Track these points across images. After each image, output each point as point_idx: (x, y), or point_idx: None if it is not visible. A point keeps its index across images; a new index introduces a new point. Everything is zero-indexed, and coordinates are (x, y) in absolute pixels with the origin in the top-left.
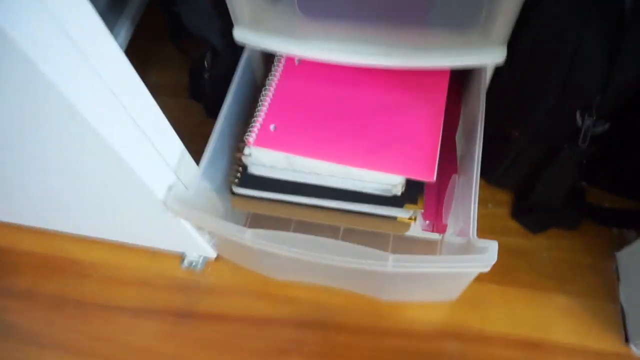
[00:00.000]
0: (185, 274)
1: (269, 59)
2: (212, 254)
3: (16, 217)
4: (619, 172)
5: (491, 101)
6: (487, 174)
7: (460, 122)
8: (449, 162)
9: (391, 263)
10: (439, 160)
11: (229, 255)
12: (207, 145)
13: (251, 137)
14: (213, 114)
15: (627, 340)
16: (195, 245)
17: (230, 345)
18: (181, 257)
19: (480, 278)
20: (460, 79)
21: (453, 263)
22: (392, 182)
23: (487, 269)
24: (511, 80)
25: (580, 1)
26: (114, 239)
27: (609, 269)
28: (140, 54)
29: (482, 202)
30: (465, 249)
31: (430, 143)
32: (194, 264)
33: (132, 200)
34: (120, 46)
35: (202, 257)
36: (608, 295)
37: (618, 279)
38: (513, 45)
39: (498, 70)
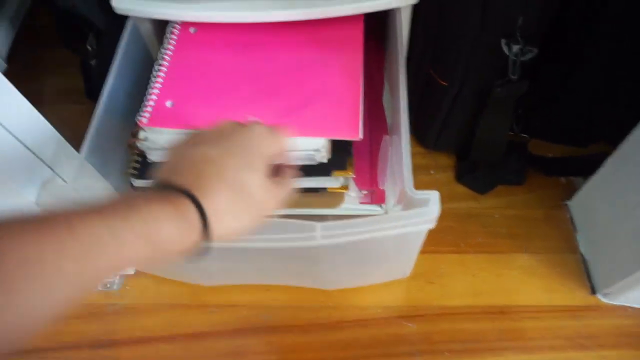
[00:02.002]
0: (100, 297)
1: (162, 30)
2: (129, 269)
3: None
4: (557, 119)
5: (414, 51)
6: (424, 138)
7: (387, 87)
8: (378, 125)
9: (320, 233)
10: (367, 125)
11: (149, 267)
12: (89, 128)
13: (144, 116)
14: None
15: (593, 291)
16: None
17: None
18: None
19: (434, 249)
20: (378, 32)
21: (391, 223)
22: (313, 146)
23: (432, 224)
24: (430, 20)
25: None
26: None
27: (563, 220)
28: (34, 60)
29: (423, 169)
30: (405, 207)
31: (351, 99)
32: (108, 284)
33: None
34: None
35: (118, 275)
36: (567, 247)
37: (574, 228)
38: None
39: (416, 14)
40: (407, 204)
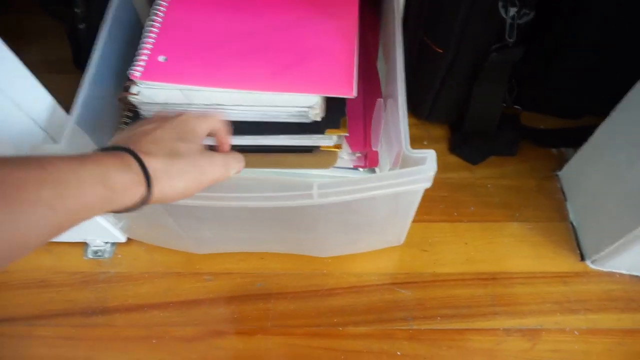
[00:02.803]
0: (90, 265)
1: None
2: (120, 238)
3: None
4: (550, 91)
5: (409, 18)
6: (417, 109)
7: (380, 51)
8: (372, 89)
9: (316, 191)
10: (361, 88)
11: (141, 235)
12: (79, 89)
13: (137, 70)
14: None
15: (582, 258)
16: (98, 229)
17: (154, 337)
18: (84, 247)
19: (427, 218)
20: (375, 8)
21: (389, 180)
22: (307, 103)
23: (429, 183)
24: None
25: None
26: None
27: (554, 189)
28: (17, 29)
29: (416, 140)
30: (402, 166)
31: (345, 57)
32: (99, 252)
33: None
34: None
35: (109, 244)
36: (557, 216)
37: (565, 197)
38: None
39: None
40: (403, 164)
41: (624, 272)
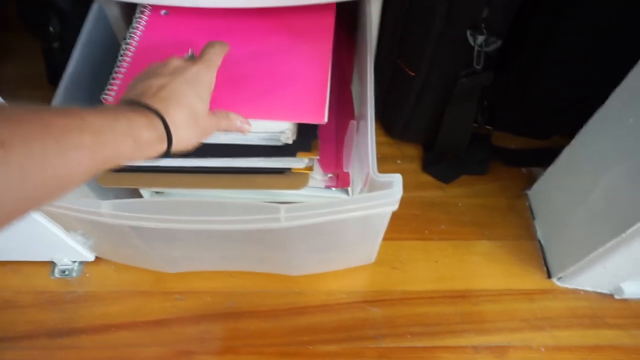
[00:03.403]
0: (57, 285)
1: (129, 16)
2: (88, 257)
3: None
4: (520, 112)
5: (383, 42)
6: (391, 128)
7: (356, 75)
8: (345, 111)
9: (284, 215)
10: (334, 110)
11: (109, 254)
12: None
13: (110, 95)
14: None
15: (549, 275)
16: (65, 248)
17: (121, 359)
18: (50, 266)
19: (398, 236)
20: (350, 32)
21: (355, 204)
22: (279, 128)
23: (395, 206)
24: (398, 12)
25: None
26: None
27: (523, 208)
28: None
29: (390, 158)
30: (369, 189)
31: (318, 84)
32: (67, 271)
33: None
34: None
35: (76, 263)
36: (526, 234)
37: (533, 216)
38: None
39: (385, 7)
40: (370, 187)
41: (589, 289)
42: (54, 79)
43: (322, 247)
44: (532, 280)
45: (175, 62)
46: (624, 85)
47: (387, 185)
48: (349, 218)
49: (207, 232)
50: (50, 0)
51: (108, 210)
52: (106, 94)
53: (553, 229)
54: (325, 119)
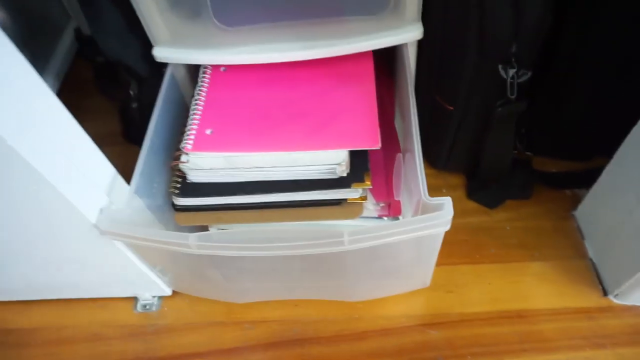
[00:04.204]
0: (140, 318)
1: (195, 76)
2: (167, 291)
3: None
4: (557, 137)
5: (421, 81)
6: (434, 160)
7: (397, 111)
8: (391, 146)
9: (347, 238)
10: (382, 144)
11: (185, 287)
12: (138, 161)
13: (188, 143)
14: None
15: (605, 293)
16: (147, 283)
17: None
18: (134, 301)
19: (450, 261)
20: (389, 69)
21: (411, 226)
22: (335, 160)
23: (447, 226)
24: (434, 52)
25: None
26: (54, 297)
27: (571, 229)
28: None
29: (435, 189)
30: (422, 213)
31: (368, 115)
32: (148, 306)
33: (64, 231)
34: None
35: (156, 298)
36: (577, 254)
37: (582, 236)
38: (428, 19)
39: (421, 48)
40: (423, 211)
41: None
42: (131, 135)
43: (380, 272)
44: (588, 298)
45: None
46: None
47: (439, 208)
48: (405, 240)
49: (278, 259)
50: (131, 68)
51: (195, 241)
52: (185, 143)
53: (604, 247)
54: (379, 144)
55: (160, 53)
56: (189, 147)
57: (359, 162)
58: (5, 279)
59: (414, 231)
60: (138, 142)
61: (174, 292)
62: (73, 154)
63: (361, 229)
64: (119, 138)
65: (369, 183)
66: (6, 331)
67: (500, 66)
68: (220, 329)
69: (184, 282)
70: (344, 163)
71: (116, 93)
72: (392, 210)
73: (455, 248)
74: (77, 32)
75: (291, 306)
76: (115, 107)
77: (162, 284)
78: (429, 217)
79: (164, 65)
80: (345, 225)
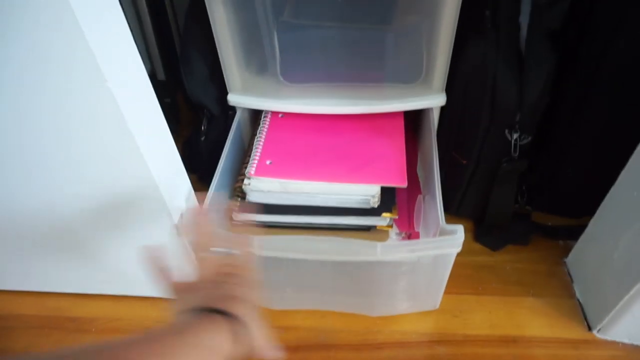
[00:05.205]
0: None
1: (254, 123)
2: None
3: (11, 283)
4: (553, 196)
5: (441, 138)
6: (448, 206)
7: (419, 161)
8: (414, 187)
9: (379, 249)
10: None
11: None
12: (213, 178)
13: (252, 169)
14: (207, 178)
15: (589, 328)
16: None
17: None
18: None
19: (457, 291)
20: (414, 127)
21: (431, 244)
22: (371, 192)
23: (459, 248)
24: (454, 116)
25: (490, 47)
26: (112, 292)
27: (562, 273)
28: None
29: None
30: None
31: (398, 159)
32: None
33: (151, 227)
34: None
35: None
36: (566, 294)
37: (571, 279)
38: (451, 89)
39: (443, 112)
40: (440, 235)
41: (626, 341)
42: (192, 165)
43: (399, 291)
44: (575, 331)
45: (228, 267)
46: (628, 167)
47: (453, 232)
48: (426, 256)
49: (319, 266)
50: (208, 108)
51: (258, 243)
52: (250, 168)
53: (589, 289)
54: (406, 183)
55: (233, 98)
56: (252, 172)
57: (388, 197)
58: (80, 269)
59: (434, 248)
60: (198, 171)
61: None
62: (169, 163)
63: (392, 244)
64: None
65: (395, 214)
66: (69, 319)
67: (506, 130)
68: None
69: None
70: (376, 195)
71: (178, 130)
72: (412, 239)
73: (462, 280)
74: (152, 76)
75: (319, 317)
76: (177, 142)
77: None
78: (446, 238)
79: (230, 108)
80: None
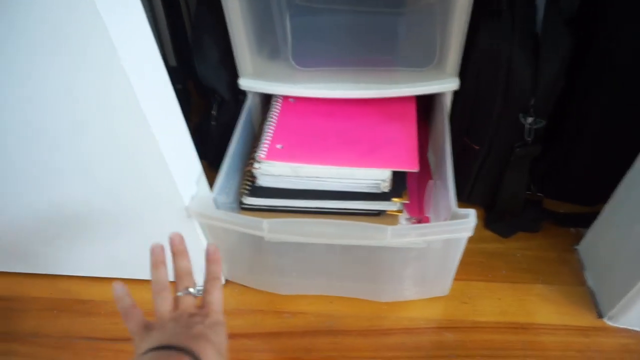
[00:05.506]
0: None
1: (265, 108)
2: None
3: (23, 266)
4: (566, 183)
5: (453, 123)
6: (459, 193)
7: (430, 146)
8: (424, 173)
9: (390, 233)
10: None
11: (239, 276)
12: (223, 163)
13: (262, 153)
14: (217, 163)
15: (600, 315)
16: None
17: (241, 359)
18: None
19: (467, 277)
20: (426, 112)
21: (443, 227)
22: (381, 177)
23: (471, 232)
24: (467, 101)
25: (505, 30)
26: (122, 276)
27: (573, 260)
28: None
29: None
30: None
31: (410, 144)
32: (200, 291)
33: (161, 209)
34: None
35: None
36: (577, 281)
37: (582, 267)
38: (464, 74)
39: (456, 97)
40: (452, 219)
41: (636, 328)
42: (203, 150)
43: (409, 276)
44: (585, 319)
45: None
46: None
47: (465, 216)
48: (437, 240)
49: (328, 250)
50: (219, 93)
51: (268, 225)
52: (260, 152)
53: (600, 276)
54: (418, 168)
55: (245, 83)
56: (263, 155)
57: (399, 181)
58: (91, 252)
59: (445, 232)
60: (208, 156)
61: (226, 281)
62: (181, 146)
63: (402, 227)
64: None
65: (406, 199)
66: (79, 302)
67: (520, 115)
68: (262, 315)
69: (239, 271)
70: (387, 180)
71: (189, 116)
72: (423, 224)
73: (472, 267)
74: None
75: (326, 302)
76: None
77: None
78: (458, 222)
79: (240, 93)
80: None
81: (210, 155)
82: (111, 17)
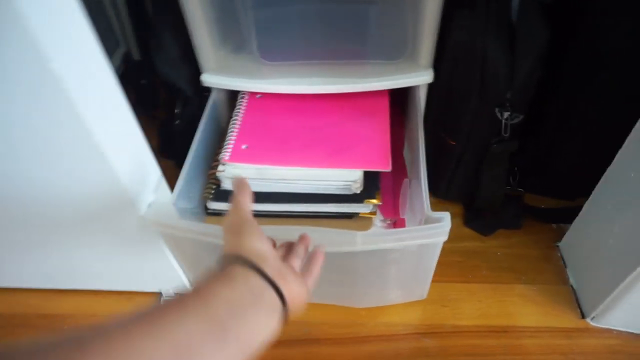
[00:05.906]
0: None
1: (232, 104)
2: (189, 287)
3: None
4: (546, 177)
5: (428, 118)
6: (436, 189)
7: (405, 143)
8: (399, 172)
9: (360, 239)
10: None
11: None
12: (183, 166)
13: (226, 155)
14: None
15: (583, 316)
16: (172, 279)
17: None
18: (158, 296)
19: (446, 279)
20: (400, 107)
21: (415, 233)
22: (352, 178)
23: (445, 237)
24: (441, 95)
25: (479, 19)
26: (86, 287)
27: (555, 258)
28: None
29: None
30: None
31: (382, 142)
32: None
33: (116, 219)
34: None
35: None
36: (559, 280)
37: (565, 264)
38: (438, 66)
39: (430, 90)
40: (426, 223)
41: (620, 329)
42: (168, 150)
43: (384, 281)
44: (568, 319)
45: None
46: (625, 147)
47: (439, 221)
48: (410, 245)
49: None
50: (181, 89)
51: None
52: (224, 154)
53: (583, 275)
54: (390, 167)
55: (207, 79)
56: (227, 157)
57: (371, 182)
58: (49, 264)
59: (418, 238)
60: (173, 156)
61: None
62: (134, 154)
63: (373, 233)
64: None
65: (379, 200)
66: (40, 316)
67: (497, 109)
68: None
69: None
70: (358, 181)
71: (156, 113)
72: (398, 226)
73: (451, 268)
74: (126, 56)
75: None
76: (153, 127)
77: (185, 280)
78: (431, 226)
79: (205, 90)
80: None
81: (176, 155)
82: (35, 9)
